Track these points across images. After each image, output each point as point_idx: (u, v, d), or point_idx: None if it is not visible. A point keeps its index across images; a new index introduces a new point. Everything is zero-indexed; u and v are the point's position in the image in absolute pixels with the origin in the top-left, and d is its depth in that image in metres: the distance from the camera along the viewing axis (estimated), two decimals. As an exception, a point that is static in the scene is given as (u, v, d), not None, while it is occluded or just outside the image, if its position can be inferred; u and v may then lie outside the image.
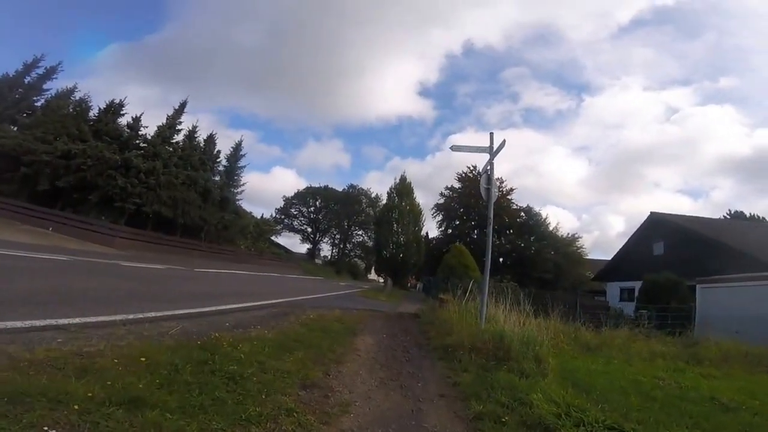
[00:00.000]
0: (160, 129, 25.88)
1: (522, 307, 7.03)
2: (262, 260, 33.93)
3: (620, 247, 30.66)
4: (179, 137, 27.49)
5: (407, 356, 5.65)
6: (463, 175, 45.48)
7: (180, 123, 27.37)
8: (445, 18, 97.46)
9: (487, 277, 6.43)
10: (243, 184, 33.10)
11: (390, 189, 42.87)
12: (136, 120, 25.82)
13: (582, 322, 9.63)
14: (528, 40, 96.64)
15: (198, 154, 27.43)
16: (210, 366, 3.06)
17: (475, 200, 43.11)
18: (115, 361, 2.72)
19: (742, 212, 48.93)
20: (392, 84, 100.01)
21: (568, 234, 42.96)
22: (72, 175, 22.08)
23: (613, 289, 27.04)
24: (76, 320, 3.72)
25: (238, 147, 32.59)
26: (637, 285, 22.89)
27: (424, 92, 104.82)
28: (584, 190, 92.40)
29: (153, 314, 4.69)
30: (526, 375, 4.56)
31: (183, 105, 27.61)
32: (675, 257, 21.97)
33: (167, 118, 26.70)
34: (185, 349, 3.34)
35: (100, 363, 2.65)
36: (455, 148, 7.15)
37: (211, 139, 29.55)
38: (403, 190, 41.41)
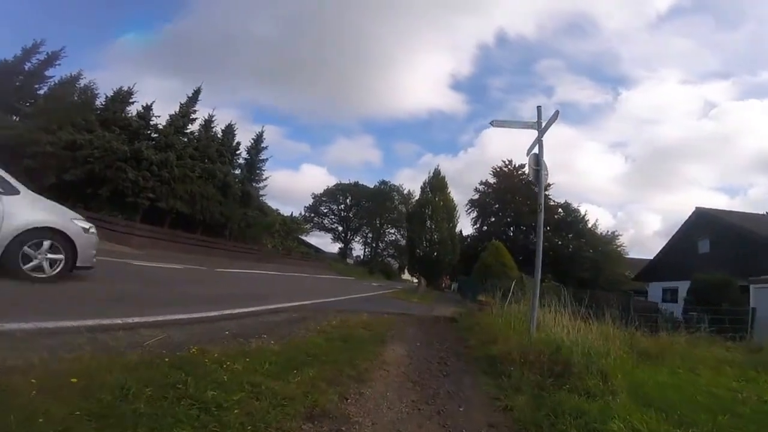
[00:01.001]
0: (173, 118, 24.68)
1: (570, 310, 6.14)
2: (290, 260, 33.39)
3: (661, 245, 29.49)
4: (194, 127, 26.39)
5: (445, 370, 4.79)
6: (498, 169, 44.21)
7: (194, 112, 26.12)
8: (475, 5, 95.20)
9: (539, 278, 5.44)
10: (266, 179, 31.90)
11: (423, 183, 41.62)
12: (147, 109, 24.64)
13: (636, 327, 8.52)
14: (561, 30, 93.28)
15: (215, 146, 26.29)
16: (179, 391, 2.33)
17: (511, 196, 41.60)
18: (33, 381, 2.02)
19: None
20: (422, 77, 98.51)
21: (607, 231, 40.73)
22: (79, 168, 20.96)
23: (655, 289, 25.60)
24: (29, 325, 3.08)
25: (259, 138, 31.36)
26: (681, 285, 21.67)
27: (456, 85, 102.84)
28: (619, 187, 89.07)
29: (136, 320, 4.00)
30: (593, 395, 3.75)
31: (197, 92, 26.33)
32: (722, 255, 20.60)
33: (180, 107, 25.44)
34: (149, 366, 2.61)
35: (9, 383, 1.94)
36: (497, 123, 6.21)
37: (229, 130, 28.38)
38: (437, 184, 40.07)
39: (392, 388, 3.78)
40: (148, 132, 24.28)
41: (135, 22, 77.14)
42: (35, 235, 5.05)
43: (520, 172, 43.20)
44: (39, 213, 5.26)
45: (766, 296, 13.40)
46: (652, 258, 30.36)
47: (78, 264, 5.51)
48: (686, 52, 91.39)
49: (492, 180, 44.50)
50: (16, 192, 5.08)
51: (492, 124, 6.18)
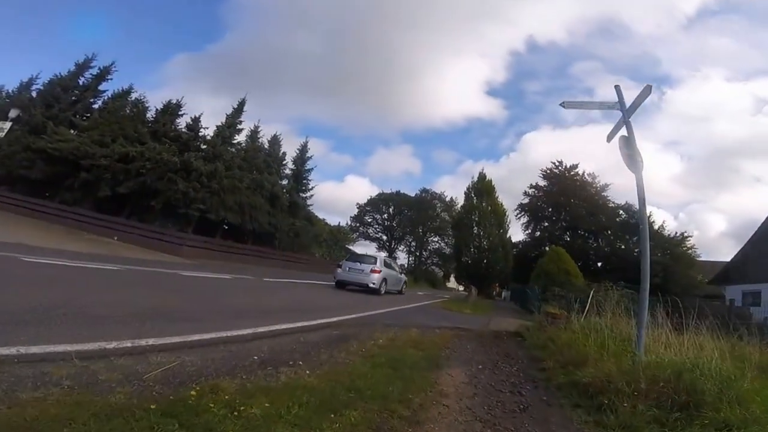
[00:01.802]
0: (219, 129, 25.07)
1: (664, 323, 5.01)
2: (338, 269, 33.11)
3: (729, 246, 26.68)
4: (240, 138, 26.77)
5: (521, 402, 3.84)
6: (549, 171, 41.87)
7: (240, 123, 26.49)
8: (500, 14, 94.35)
9: (647, 287, 4.33)
10: (312, 188, 32.12)
11: (468, 188, 40.15)
12: (196, 120, 25.13)
13: (738, 337, 7.09)
14: (593, 34, 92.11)
15: (262, 156, 26.72)
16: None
17: (565, 198, 39.22)
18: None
19: None
20: (456, 85, 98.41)
21: (676, 233, 36.93)
22: (132, 180, 21.71)
23: (734, 293, 22.64)
24: (9, 351, 2.50)
25: (304, 149, 31.69)
26: (765, 288, 19.74)
27: (492, 92, 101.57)
28: (678, 187, 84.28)
29: (149, 342, 3.46)
30: (733, 428, 2.89)
31: (242, 103, 26.60)
32: None
33: (226, 117, 25.78)
34: (131, 414, 1.92)
35: None
36: (569, 105, 5.21)
37: (275, 141, 28.82)
38: (483, 188, 38.46)
39: (456, 430, 2.93)
40: (198, 143, 24.77)
41: (185, 42, 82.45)
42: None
43: (572, 172, 40.85)
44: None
45: None
46: (727, 260, 27.69)
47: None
48: (728, 51, 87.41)
49: (542, 183, 42.10)
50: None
51: (563, 105, 5.17)
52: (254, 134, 27.69)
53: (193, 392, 2.45)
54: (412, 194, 62.16)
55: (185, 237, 19.89)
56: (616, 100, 4.92)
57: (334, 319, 7.10)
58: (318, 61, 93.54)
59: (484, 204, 37.68)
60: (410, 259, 64.47)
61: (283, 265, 24.81)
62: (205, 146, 24.60)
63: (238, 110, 26.62)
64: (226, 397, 2.48)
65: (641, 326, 4.08)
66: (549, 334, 6.61)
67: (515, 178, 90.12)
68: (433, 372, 4.49)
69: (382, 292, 15.52)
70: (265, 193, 25.68)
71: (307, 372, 3.55)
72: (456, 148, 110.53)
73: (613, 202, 39.80)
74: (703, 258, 35.47)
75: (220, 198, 22.84)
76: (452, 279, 57.38)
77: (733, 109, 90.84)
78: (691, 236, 36.65)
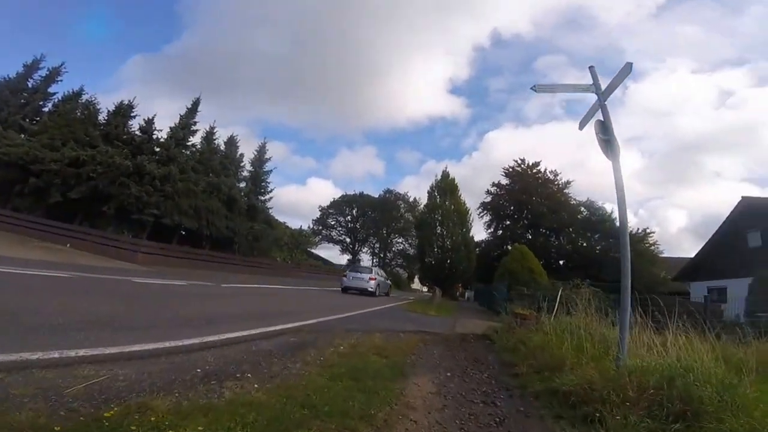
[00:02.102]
0: (173, 130, 24.43)
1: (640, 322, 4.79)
2: (300, 273, 32.62)
3: (690, 242, 27.53)
4: (195, 139, 26.24)
5: (496, 414, 3.43)
6: (511, 169, 42.49)
7: (195, 123, 25.90)
8: (468, 6, 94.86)
9: (629, 284, 4.04)
10: (271, 191, 31.69)
11: (431, 187, 39.94)
12: (149, 122, 24.48)
13: (716, 335, 7.06)
14: (559, 26, 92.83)
15: (219, 159, 26.23)
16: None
17: (527, 196, 39.93)
18: None
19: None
20: (420, 83, 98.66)
21: (638, 229, 38.27)
22: (84, 185, 21.10)
23: (699, 289, 23.36)
24: None
25: (262, 150, 31.06)
26: (730, 284, 19.93)
27: (455, 90, 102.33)
28: (639, 184, 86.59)
29: (80, 353, 3.20)
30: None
31: (196, 103, 25.98)
32: None
33: (180, 118, 25.18)
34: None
35: None
36: (540, 88, 4.87)
37: (232, 142, 28.25)
38: (446, 187, 38.39)
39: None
40: (151, 146, 24.07)
41: (141, 43, 78.32)
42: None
43: (534, 170, 41.65)
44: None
45: None
46: (689, 256, 28.56)
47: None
48: (694, 40, 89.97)
49: (505, 181, 42.65)
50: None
51: (535, 89, 4.84)
52: (210, 136, 27.08)
53: (110, 413, 2.17)
54: (376, 195, 62.10)
55: (140, 243, 19.48)
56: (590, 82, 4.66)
57: (293, 324, 6.53)
58: (279, 61, 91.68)
59: (447, 203, 37.65)
60: (374, 260, 64.22)
61: (243, 270, 24.46)
62: (158, 149, 23.87)
63: (192, 110, 25.87)
64: (154, 417, 2.20)
65: (624, 327, 3.75)
66: (519, 336, 6.31)
67: (478, 177, 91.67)
68: (398, 382, 4.03)
69: (377, 294, 19.41)
70: (222, 196, 25.19)
71: (256, 386, 3.17)
72: (419, 148, 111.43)
73: (575, 200, 40.91)
74: (665, 254, 36.38)
75: (175, 202, 22.27)
76: (416, 280, 57.49)
77: (697, 103, 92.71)
78: (653, 232, 37.80)
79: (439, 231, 37.49)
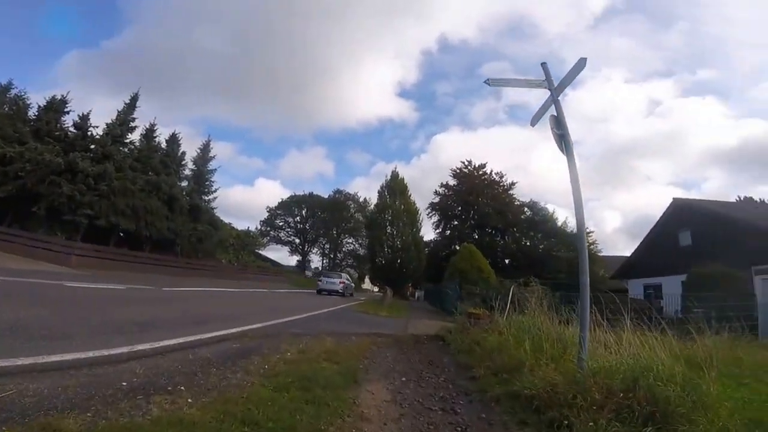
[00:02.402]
0: (110, 126, 22.82)
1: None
2: (247, 275, 31.37)
3: (624, 242, 29.28)
4: (134, 136, 24.70)
5: (457, 423, 3.19)
6: (458, 171, 43.32)
7: (133, 119, 24.36)
8: (417, 9, 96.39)
9: (587, 282, 3.95)
10: (215, 191, 30.11)
11: (381, 187, 40.00)
12: (84, 118, 22.68)
13: (662, 332, 7.34)
14: (504, 33, 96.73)
15: (159, 157, 24.66)
16: None
17: (473, 197, 40.83)
18: None
19: (751, 198, 47.40)
20: (370, 85, 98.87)
21: (579, 229, 40.31)
22: (11, 184, 19.35)
23: (636, 287, 24.86)
24: None
25: (206, 148, 29.53)
26: (664, 281, 21.31)
27: (404, 93, 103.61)
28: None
29: None
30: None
31: (135, 98, 24.40)
32: (706, 246, 19.96)
33: (118, 114, 23.59)
34: None
35: None
36: (493, 82, 4.74)
37: (174, 140, 26.67)
38: (396, 187, 38.51)
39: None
40: (86, 143, 22.29)
41: (79, 39, 71.69)
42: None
43: (481, 172, 42.72)
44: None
45: None
46: (624, 255, 30.13)
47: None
48: (628, 52, 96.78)
49: (452, 182, 43.38)
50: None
51: (488, 83, 4.70)
52: (150, 133, 25.43)
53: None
54: (326, 196, 61.10)
55: (74, 245, 18.22)
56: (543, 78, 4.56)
57: (236, 329, 6.00)
58: (226, 59, 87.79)
59: (397, 203, 37.76)
60: (324, 261, 63.24)
61: (187, 273, 23.29)
62: (93, 146, 22.17)
63: (131, 106, 24.31)
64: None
65: (585, 327, 3.63)
66: (473, 336, 6.16)
67: (426, 178, 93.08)
68: (350, 390, 3.70)
69: (345, 295, 24.09)
70: (163, 195, 23.72)
71: (189, 400, 2.80)
72: (369, 150, 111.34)
73: (519, 201, 42.30)
74: (602, 253, 38.17)
75: (111, 201, 20.84)
76: (367, 280, 57.29)
77: (629, 111, 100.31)
78: (592, 232, 39.97)
79: (389, 231, 37.51)
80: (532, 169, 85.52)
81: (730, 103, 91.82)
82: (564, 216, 53.54)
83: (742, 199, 47.91)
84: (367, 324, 9.85)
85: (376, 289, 41.50)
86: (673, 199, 25.50)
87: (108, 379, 2.99)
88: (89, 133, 22.67)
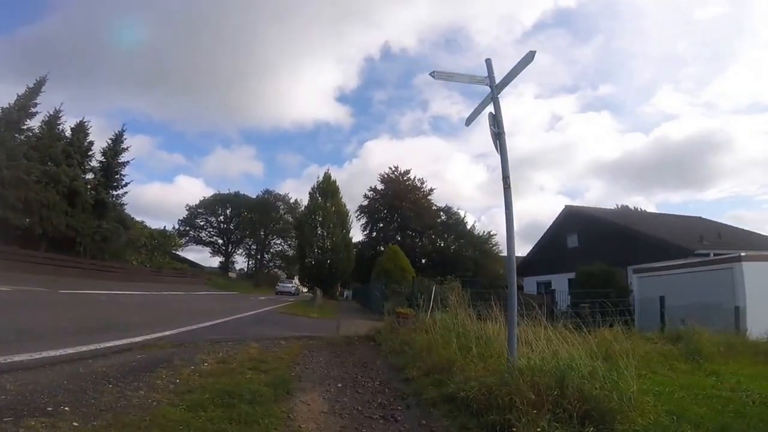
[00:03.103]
0: (5, 111, 19.74)
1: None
2: (161, 277, 28.57)
3: (519, 244, 31.08)
4: (34, 123, 21.62)
5: (399, 431, 2.89)
6: (386, 176, 44.23)
7: (35, 105, 21.24)
8: (366, 15, 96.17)
9: (515, 281, 3.86)
10: (126, 185, 26.79)
11: (312, 188, 39.04)
12: None
13: (563, 324, 7.71)
14: (439, 44, 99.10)
15: (61, 146, 21.72)
16: None
17: (398, 201, 41.71)
18: None
19: (627, 206, 53.70)
20: (309, 88, 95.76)
21: (484, 232, 43.28)
22: None
23: (529, 284, 26.83)
24: None
25: (118, 139, 26.06)
26: (553, 278, 23.17)
27: (342, 98, 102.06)
28: (482, 194, 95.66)
29: None
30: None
31: (41, 83, 21.29)
32: (591, 247, 21.84)
33: (17, 98, 20.43)
34: None
35: None
36: (439, 75, 4.56)
37: (81, 129, 23.52)
38: (328, 188, 37.82)
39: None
40: None
41: None
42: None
43: (405, 177, 43.87)
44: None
45: (647, 285, 13.81)
46: (521, 256, 32.29)
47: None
48: (544, 68, 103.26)
49: (380, 186, 44.16)
50: None
51: (433, 75, 4.53)
52: (53, 120, 22.25)
53: None
54: (254, 196, 57.93)
55: None
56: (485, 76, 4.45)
57: (142, 338, 5.24)
58: (149, 49, 79.16)
59: (328, 204, 37.13)
60: (250, 262, 60.14)
61: (90, 275, 20.52)
62: None
63: (34, 91, 21.06)
64: None
65: (512, 327, 3.54)
66: (403, 336, 5.98)
67: (356, 182, 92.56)
68: (283, 402, 3.23)
69: (296, 294, 31.23)
70: (62, 188, 20.81)
71: (75, 424, 2.22)
72: (302, 152, 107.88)
73: (436, 205, 44.47)
74: (502, 254, 41.21)
75: None
76: (296, 281, 55.67)
77: (534, 125, 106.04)
78: (495, 234, 42.82)
79: (320, 232, 36.81)
80: (447, 176, 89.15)
81: (621, 117, 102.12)
82: (472, 220, 56.19)
83: (620, 206, 54.34)
84: (297, 326, 9.29)
85: (305, 289, 40.35)
86: (566, 206, 27.85)
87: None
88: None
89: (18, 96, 20.49)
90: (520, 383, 2.92)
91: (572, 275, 19.04)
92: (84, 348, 4.11)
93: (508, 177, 3.95)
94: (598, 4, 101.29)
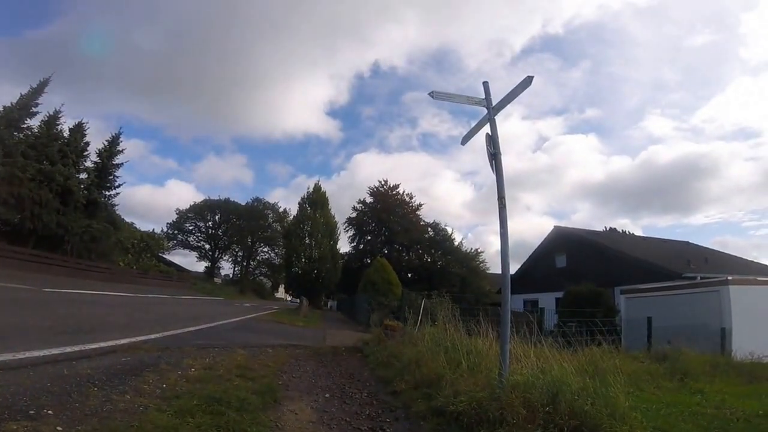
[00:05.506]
0: (6, 110, 19.54)
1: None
2: (147, 279, 27.80)
3: (514, 262, 31.02)
4: (34, 122, 21.30)
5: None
6: (375, 189, 44.18)
7: (36, 105, 21.03)
8: (360, 34, 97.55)
9: (509, 297, 3.85)
10: (119, 186, 26.29)
11: (302, 199, 38.98)
12: None
13: (551, 343, 7.69)
14: (429, 64, 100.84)
15: (58, 145, 21.31)
16: None
17: (386, 215, 41.66)
18: None
19: (615, 228, 54.41)
20: (301, 101, 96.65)
21: (471, 249, 43.27)
22: None
23: (516, 302, 26.68)
24: None
25: (114, 141, 25.77)
26: (540, 297, 23.06)
27: (333, 112, 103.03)
28: (469, 212, 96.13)
29: None
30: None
31: (44, 83, 21.07)
32: (579, 268, 21.86)
33: (20, 98, 20.28)
34: None
35: None
36: (437, 96, 4.62)
37: (79, 129, 23.18)
38: (317, 199, 37.77)
39: None
40: None
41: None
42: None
43: (394, 192, 43.88)
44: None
45: (635, 306, 13.82)
46: (512, 273, 32.20)
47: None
48: (532, 89, 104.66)
49: (369, 199, 44.08)
50: None
51: (432, 95, 4.57)
52: (52, 120, 21.92)
53: None
54: (243, 203, 57.38)
55: None
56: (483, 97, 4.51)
57: (128, 340, 5.03)
58: (151, 56, 78.98)
59: (317, 215, 36.98)
60: (237, 269, 59.15)
61: (75, 274, 19.80)
62: None
63: (37, 91, 20.88)
64: None
65: (505, 341, 3.50)
66: (390, 349, 5.87)
67: (343, 195, 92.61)
68: (270, 411, 3.13)
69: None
70: (56, 187, 20.42)
71: (59, 429, 2.11)
72: (292, 163, 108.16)
73: (424, 221, 44.18)
74: (490, 271, 40.68)
75: None
76: (281, 289, 54.79)
77: (521, 145, 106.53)
78: (482, 252, 42.82)
79: (307, 242, 36.53)
80: (435, 192, 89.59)
81: (608, 140, 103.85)
82: (459, 237, 56.11)
83: (608, 229, 55.13)
84: (283, 335, 9.08)
85: (289, 298, 39.82)
86: (555, 226, 27.94)
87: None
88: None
89: (21, 95, 20.42)
90: (512, 398, 2.88)
91: (560, 294, 19.03)
92: (68, 349, 3.93)
93: (504, 197, 3.96)
94: (586, 31, 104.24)
